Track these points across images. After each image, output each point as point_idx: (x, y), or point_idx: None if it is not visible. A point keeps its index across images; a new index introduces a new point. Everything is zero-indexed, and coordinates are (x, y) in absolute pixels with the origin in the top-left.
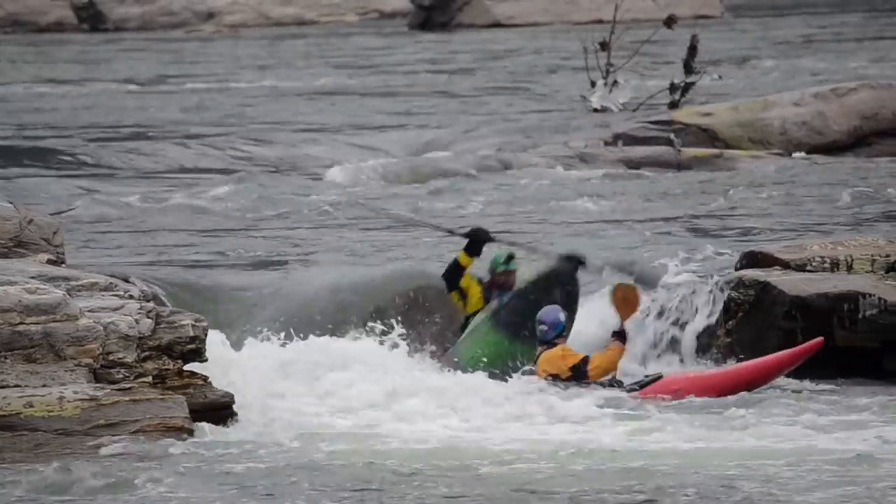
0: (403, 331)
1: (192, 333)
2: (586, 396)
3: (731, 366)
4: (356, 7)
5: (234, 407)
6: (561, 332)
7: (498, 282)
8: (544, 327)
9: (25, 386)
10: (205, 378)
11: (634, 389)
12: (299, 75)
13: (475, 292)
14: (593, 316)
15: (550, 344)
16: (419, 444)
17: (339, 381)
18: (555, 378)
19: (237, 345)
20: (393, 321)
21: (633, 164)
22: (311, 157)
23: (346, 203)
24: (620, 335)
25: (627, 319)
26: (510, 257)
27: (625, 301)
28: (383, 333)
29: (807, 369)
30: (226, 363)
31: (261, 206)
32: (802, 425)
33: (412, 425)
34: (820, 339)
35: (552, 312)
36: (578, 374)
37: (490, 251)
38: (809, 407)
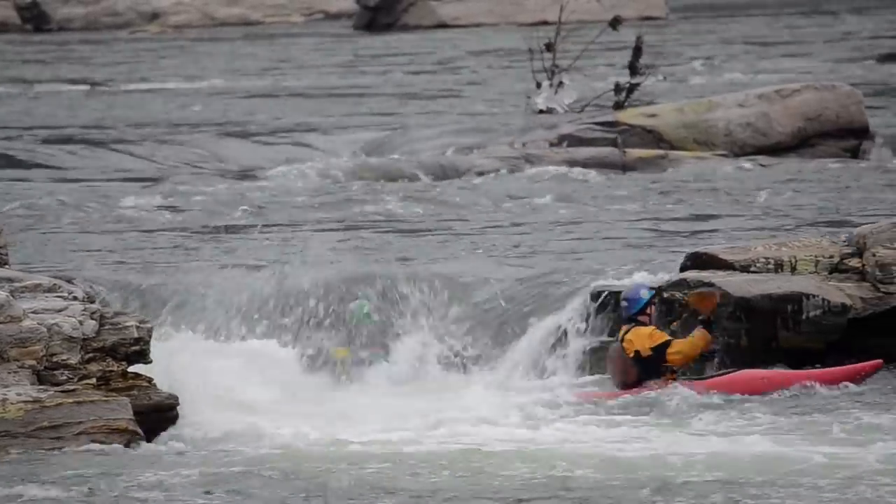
0: (342, 332)
1: (136, 335)
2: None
3: (810, 370)
4: (301, 8)
5: (179, 409)
6: (643, 309)
7: None
8: (625, 303)
9: None
10: (149, 380)
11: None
12: (244, 76)
13: None
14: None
15: (635, 321)
16: (354, 446)
17: (282, 382)
18: (637, 355)
19: (181, 346)
20: (340, 323)
21: (578, 165)
22: (257, 159)
23: (291, 204)
24: (706, 324)
25: (710, 314)
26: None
27: (703, 301)
28: (329, 336)
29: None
30: (170, 365)
31: (204, 207)
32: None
33: (352, 429)
34: (879, 361)
35: (635, 290)
36: (659, 356)
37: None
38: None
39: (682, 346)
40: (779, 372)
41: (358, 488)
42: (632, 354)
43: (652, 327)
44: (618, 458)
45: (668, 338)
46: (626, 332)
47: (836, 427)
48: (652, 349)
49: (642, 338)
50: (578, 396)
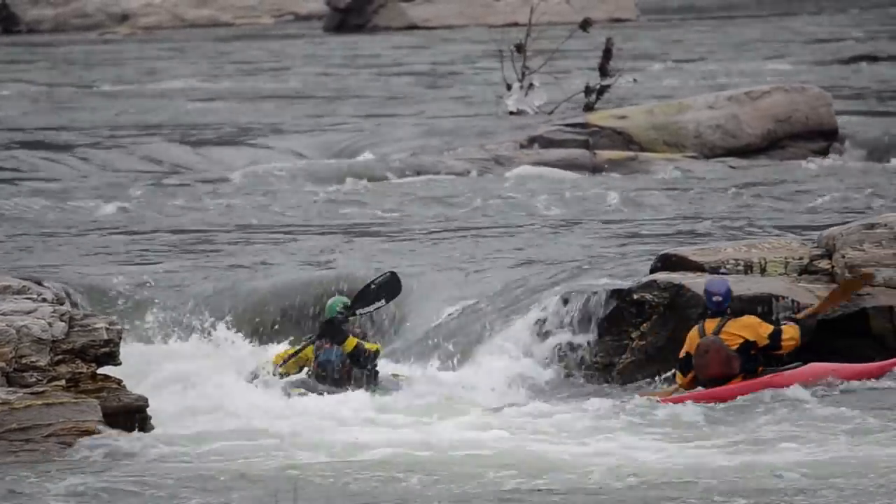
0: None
1: (105, 337)
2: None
3: (876, 363)
4: (271, 9)
5: (149, 410)
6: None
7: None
8: (719, 298)
9: None
10: (119, 381)
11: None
12: (213, 78)
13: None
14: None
15: (725, 314)
16: (333, 441)
17: (250, 387)
18: (746, 344)
19: (153, 348)
20: (306, 327)
21: (549, 167)
22: (226, 160)
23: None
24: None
25: (823, 309)
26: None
27: (851, 285)
28: (296, 335)
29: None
30: (140, 366)
31: (172, 209)
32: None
33: (319, 433)
34: None
35: (721, 283)
36: (775, 344)
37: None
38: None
39: (794, 333)
40: (845, 365)
41: (335, 491)
42: (737, 346)
43: (753, 317)
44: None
45: (774, 326)
46: (722, 325)
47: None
48: (768, 337)
49: (752, 327)
50: (667, 400)
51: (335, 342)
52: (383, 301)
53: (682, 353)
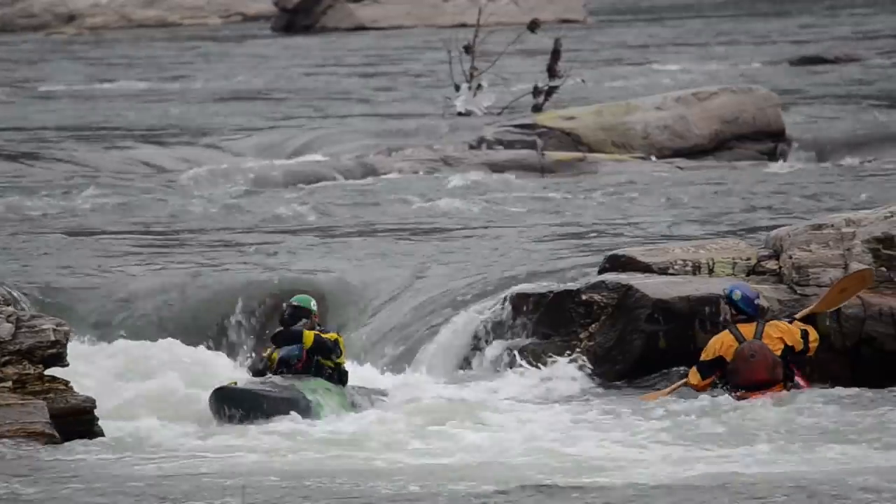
0: (265, 339)
1: (53, 338)
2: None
3: None
4: (219, 10)
5: (96, 412)
6: None
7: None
8: (758, 301)
9: None
10: (66, 383)
11: None
12: (161, 78)
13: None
14: None
15: (758, 319)
16: (281, 446)
17: (199, 389)
18: (786, 349)
19: (96, 349)
20: (257, 326)
21: (498, 168)
22: (173, 161)
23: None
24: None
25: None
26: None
27: (842, 292)
28: (246, 338)
29: (666, 371)
30: (87, 368)
31: (120, 211)
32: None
33: (268, 434)
34: None
35: (746, 287)
36: (806, 346)
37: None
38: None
39: (815, 333)
40: None
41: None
42: (779, 351)
43: (783, 321)
44: None
45: (803, 326)
46: (761, 329)
47: None
48: (802, 339)
49: (790, 332)
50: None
51: (292, 343)
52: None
53: (706, 357)
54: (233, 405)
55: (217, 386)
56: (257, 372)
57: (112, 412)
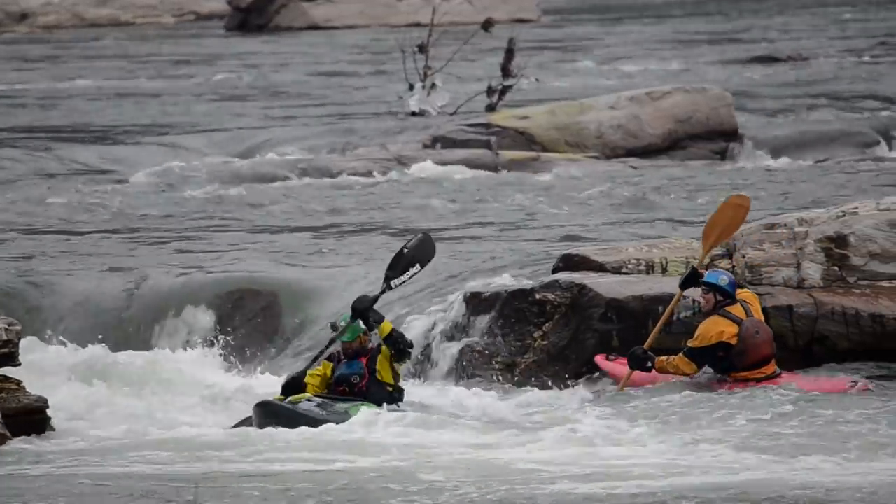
0: (221, 336)
1: (4, 337)
2: None
3: None
4: (172, 9)
5: (49, 412)
6: None
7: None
8: (734, 282)
9: None
10: (18, 382)
11: None
12: (114, 77)
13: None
14: None
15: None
16: (233, 448)
17: (153, 387)
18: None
19: (51, 349)
20: (211, 326)
21: (452, 167)
22: (128, 159)
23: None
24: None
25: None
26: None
27: (737, 209)
28: (200, 339)
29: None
30: (39, 368)
31: (73, 209)
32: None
33: (223, 430)
34: None
35: (725, 271)
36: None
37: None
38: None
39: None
40: None
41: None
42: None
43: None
44: None
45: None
46: (747, 308)
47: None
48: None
49: (754, 297)
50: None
51: (372, 326)
52: (418, 267)
53: (701, 343)
54: (275, 422)
55: (261, 400)
56: (291, 382)
57: (65, 412)
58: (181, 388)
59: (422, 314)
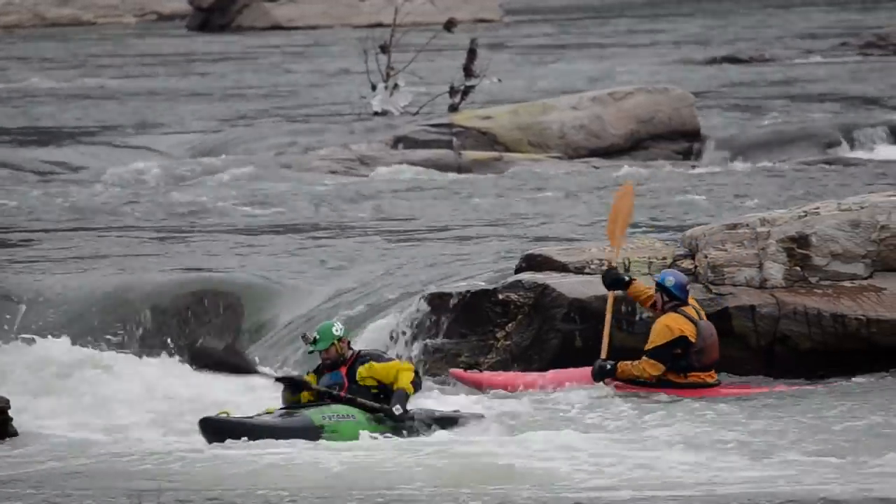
0: (180, 338)
1: None
2: None
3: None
4: (134, 9)
5: (10, 412)
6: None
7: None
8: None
9: None
10: None
11: None
12: (76, 77)
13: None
14: None
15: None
16: (190, 453)
17: (114, 388)
18: None
19: (13, 350)
20: (173, 327)
21: (414, 167)
22: (90, 160)
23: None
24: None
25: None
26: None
27: (625, 209)
28: (159, 341)
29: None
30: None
31: (36, 209)
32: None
33: (184, 436)
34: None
35: (678, 273)
36: None
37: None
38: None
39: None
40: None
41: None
42: None
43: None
44: None
45: None
46: (699, 311)
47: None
48: None
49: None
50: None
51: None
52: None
53: (663, 340)
54: (220, 436)
55: (204, 416)
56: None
57: (28, 412)
58: (144, 388)
59: (384, 315)
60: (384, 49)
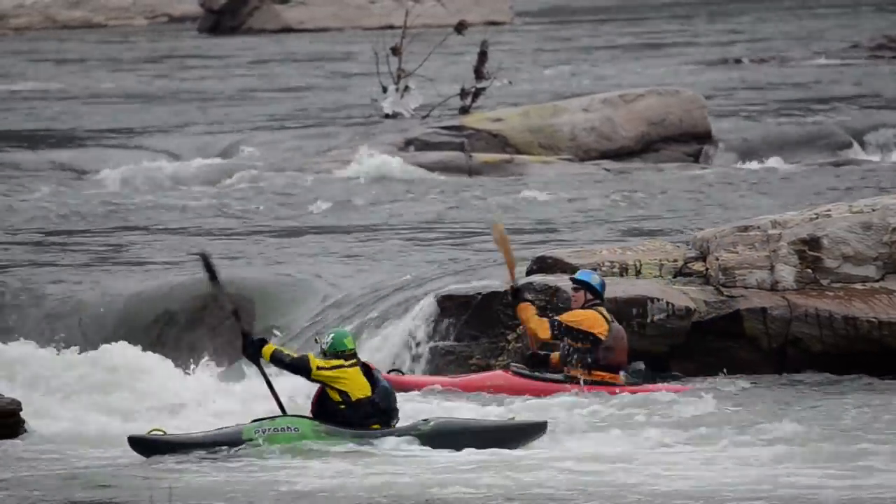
0: (189, 338)
1: None
2: None
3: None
4: (145, 11)
5: (22, 414)
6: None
7: None
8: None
9: None
10: None
11: None
12: (86, 79)
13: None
14: None
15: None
16: (209, 448)
17: (126, 390)
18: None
19: (25, 352)
20: (179, 329)
21: (425, 170)
22: (103, 161)
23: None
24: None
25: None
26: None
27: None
28: (169, 341)
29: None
30: (11, 370)
31: (46, 211)
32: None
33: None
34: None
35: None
36: None
37: None
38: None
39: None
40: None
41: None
42: None
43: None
44: None
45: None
46: (610, 314)
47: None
48: None
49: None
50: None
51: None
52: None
53: (573, 324)
54: (147, 453)
55: (130, 435)
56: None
57: (40, 413)
58: (158, 389)
59: (396, 316)
60: (395, 51)
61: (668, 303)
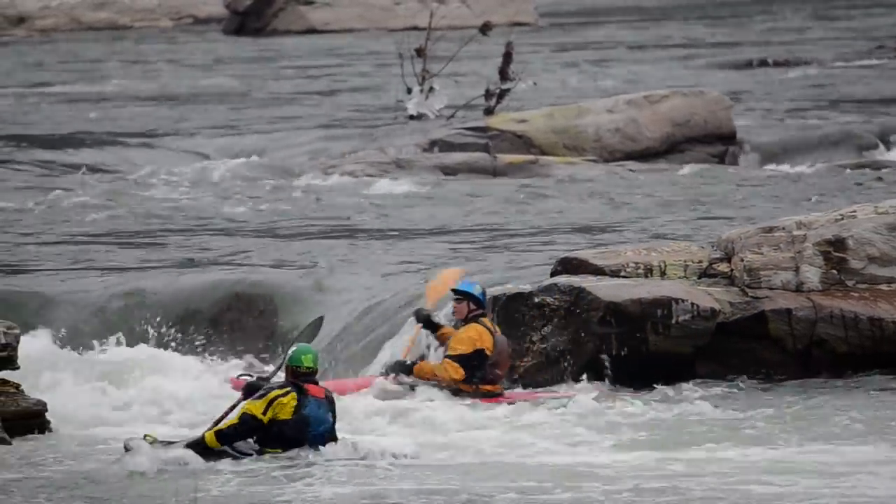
0: (216, 339)
1: (3, 341)
2: None
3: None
4: (170, 12)
5: (48, 415)
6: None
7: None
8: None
9: None
10: (17, 385)
11: None
12: (114, 81)
13: None
14: None
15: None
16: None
17: (152, 388)
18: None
19: (50, 351)
20: (206, 329)
21: (450, 171)
22: (129, 163)
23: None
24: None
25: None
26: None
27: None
28: (196, 341)
29: (622, 374)
30: (38, 370)
31: (72, 211)
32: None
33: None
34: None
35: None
36: None
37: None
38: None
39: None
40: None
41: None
42: None
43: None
44: None
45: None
46: (494, 323)
47: None
48: None
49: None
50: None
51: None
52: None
53: (465, 350)
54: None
55: (125, 441)
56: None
57: (64, 414)
58: (181, 389)
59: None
60: (419, 52)
61: (692, 304)
